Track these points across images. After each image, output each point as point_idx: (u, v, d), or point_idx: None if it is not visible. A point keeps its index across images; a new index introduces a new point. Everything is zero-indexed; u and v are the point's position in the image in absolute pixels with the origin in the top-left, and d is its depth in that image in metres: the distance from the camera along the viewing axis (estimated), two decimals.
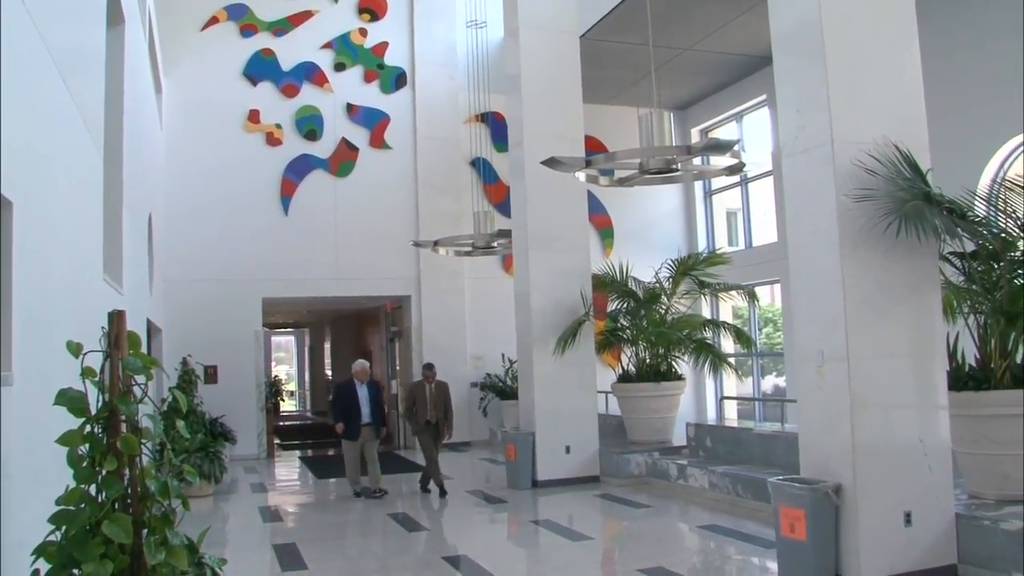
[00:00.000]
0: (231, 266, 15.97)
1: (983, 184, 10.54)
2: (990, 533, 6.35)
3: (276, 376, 29.23)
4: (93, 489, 3.02)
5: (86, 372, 3.03)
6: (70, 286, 5.04)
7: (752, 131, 17.89)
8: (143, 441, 3.09)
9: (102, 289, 6.60)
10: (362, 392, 11.63)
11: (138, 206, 10.37)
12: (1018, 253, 7.05)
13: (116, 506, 3.01)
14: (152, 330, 12.60)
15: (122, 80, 8.53)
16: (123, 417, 3.06)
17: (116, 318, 3.12)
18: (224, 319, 15.76)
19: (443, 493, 11.44)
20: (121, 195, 8.35)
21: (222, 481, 12.32)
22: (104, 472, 3.01)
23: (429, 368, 11.96)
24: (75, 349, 2.99)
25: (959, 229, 6.65)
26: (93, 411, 3.05)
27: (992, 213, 7.06)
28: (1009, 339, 7.04)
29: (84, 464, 3.03)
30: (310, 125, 16.83)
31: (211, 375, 15.40)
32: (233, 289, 15.91)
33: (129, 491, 3.06)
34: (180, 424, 3.34)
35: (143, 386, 3.16)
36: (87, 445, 3.03)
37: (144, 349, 3.27)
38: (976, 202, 7.02)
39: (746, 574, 7.53)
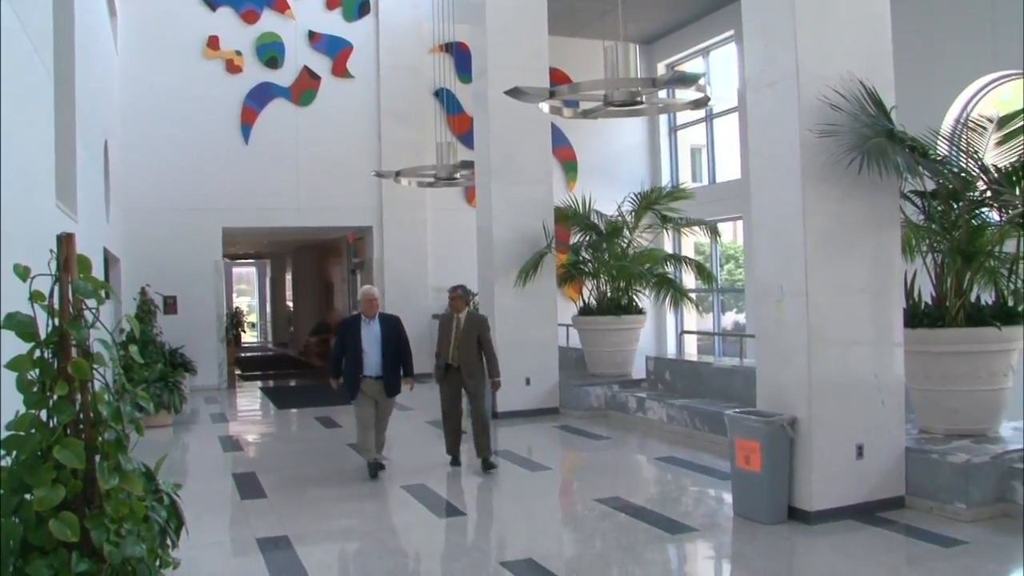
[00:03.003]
0: (190, 195, 15.70)
1: (947, 124, 10.59)
2: (937, 466, 6.51)
3: (237, 307, 29.07)
4: (44, 414, 2.98)
5: (34, 296, 2.96)
6: (21, 211, 4.92)
7: (718, 68, 17.79)
8: (95, 367, 3.04)
9: (55, 216, 6.46)
10: (368, 333, 8.42)
11: (92, 132, 10.13)
12: (977, 193, 7.12)
13: (68, 431, 2.98)
14: (110, 260, 12.41)
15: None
16: (74, 342, 3.01)
17: (65, 241, 3.05)
18: (184, 249, 15.56)
19: (487, 466, 8.77)
20: (73, 120, 8.14)
21: (182, 411, 12.28)
22: (55, 397, 2.97)
23: (456, 290, 8.96)
24: (23, 272, 2.92)
25: (920, 167, 6.69)
26: (43, 336, 3.00)
27: (954, 153, 7.11)
28: (965, 278, 7.15)
29: (34, 389, 2.98)
30: (271, 52, 16.45)
31: (170, 306, 15.28)
32: (193, 219, 15.69)
33: (81, 416, 3.02)
34: (132, 349, 3.29)
35: (95, 311, 3.10)
36: (37, 370, 2.98)
37: (100, 277, 3.20)
38: (939, 141, 7.07)
39: (702, 505, 7.66)
